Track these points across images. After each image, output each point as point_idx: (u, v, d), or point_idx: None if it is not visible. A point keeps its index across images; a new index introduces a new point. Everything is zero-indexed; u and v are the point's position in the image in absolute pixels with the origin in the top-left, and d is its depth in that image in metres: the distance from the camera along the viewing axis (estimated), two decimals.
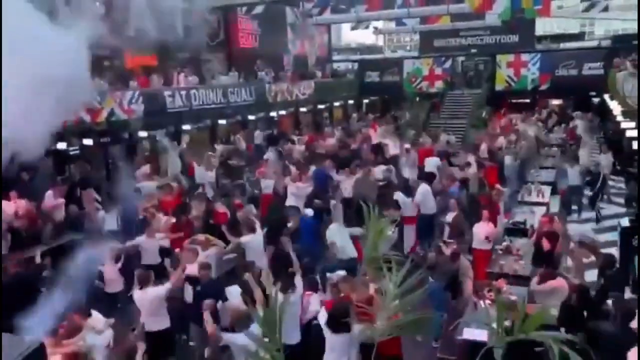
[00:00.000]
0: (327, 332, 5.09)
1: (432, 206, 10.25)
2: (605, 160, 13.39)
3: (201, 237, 8.26)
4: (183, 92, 15.08)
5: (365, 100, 28.15)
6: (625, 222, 9.07)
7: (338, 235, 8.19)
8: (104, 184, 12.74)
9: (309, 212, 9.85)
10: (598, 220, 11.91)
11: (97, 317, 5.87)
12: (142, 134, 14.59)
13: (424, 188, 10.25)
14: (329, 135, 17.48)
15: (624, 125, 13.29)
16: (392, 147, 14.88)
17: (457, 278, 7.19)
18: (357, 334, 4.77)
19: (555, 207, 11.27)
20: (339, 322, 4.86)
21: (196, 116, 16.11)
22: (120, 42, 11.05)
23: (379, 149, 14.80)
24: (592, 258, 7.25)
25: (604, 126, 20.18)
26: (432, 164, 13.00)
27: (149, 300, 6.24)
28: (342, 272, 6.60)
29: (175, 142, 14.97)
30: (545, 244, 7.76)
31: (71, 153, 12.94)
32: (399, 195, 10.10)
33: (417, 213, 10.21)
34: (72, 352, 4.96)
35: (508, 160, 13.50)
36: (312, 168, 12.17)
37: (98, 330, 5.61)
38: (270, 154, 14.78)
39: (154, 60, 16.63)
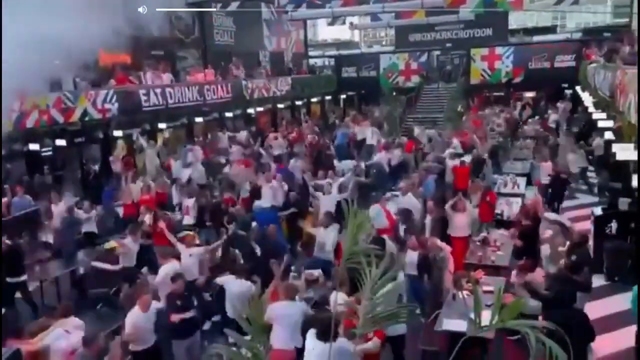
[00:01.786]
0: (312, 340, 4.73)
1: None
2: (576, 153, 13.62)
3: (189, 234, 8.16)
4: (158, 90, 14.84)
5: (343, 96, 28.19)
6: (598, 211, 9.28)
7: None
8: (78, 185, 12.53)
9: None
10: None
11: (71, 319, 5.54)
12: (118, 133, 14.37)
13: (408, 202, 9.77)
14: (308, 130, 17.54)
15: (595, 116, 13.58)
16: (369, 140, 15.07)
17: (428, 262, 7.18)
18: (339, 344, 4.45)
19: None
20: (325, 330, 4.57)
21: (172, 114, 15.91)
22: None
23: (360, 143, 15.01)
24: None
25: (574, 118, 20.51)
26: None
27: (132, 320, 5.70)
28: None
29: (152, 140, 14.80)
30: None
31: (43, 154, 12.69)
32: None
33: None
34: (32, 350, 4.90)
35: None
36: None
37: (64, 331, 5.26)
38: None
39: (127, 58, 16.35)
